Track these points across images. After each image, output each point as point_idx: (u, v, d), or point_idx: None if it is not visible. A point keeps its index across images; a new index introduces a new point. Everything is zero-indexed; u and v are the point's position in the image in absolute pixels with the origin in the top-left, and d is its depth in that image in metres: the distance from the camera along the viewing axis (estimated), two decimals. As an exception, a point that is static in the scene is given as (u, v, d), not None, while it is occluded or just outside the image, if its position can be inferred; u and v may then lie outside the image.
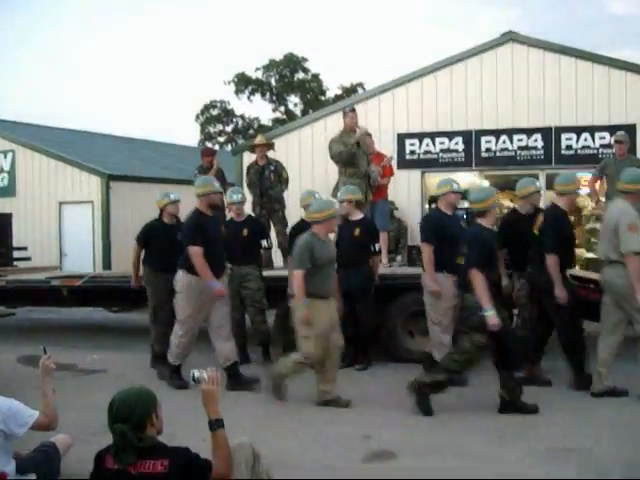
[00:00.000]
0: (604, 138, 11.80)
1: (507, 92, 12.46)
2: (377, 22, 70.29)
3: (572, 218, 14.85)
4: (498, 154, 12.40)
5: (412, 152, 12.83)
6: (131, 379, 6.61)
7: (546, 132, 12.17)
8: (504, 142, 12.36)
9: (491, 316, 5.89)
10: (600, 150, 11.85)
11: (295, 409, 6.54)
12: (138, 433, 3.23)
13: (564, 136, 12.14)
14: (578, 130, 12.07)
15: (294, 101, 40.16)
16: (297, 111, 39.22)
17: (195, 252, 7.04)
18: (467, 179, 13.50)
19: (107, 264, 16.63)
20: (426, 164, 12.82)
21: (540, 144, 12.23)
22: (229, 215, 8.94)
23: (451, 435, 5.70)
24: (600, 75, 12.20)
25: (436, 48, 40.59)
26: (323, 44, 64.33)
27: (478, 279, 5.96)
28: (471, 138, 12.50)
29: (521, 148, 12.28)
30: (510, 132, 12.32)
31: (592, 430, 5.74)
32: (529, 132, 12.25)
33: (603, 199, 9.90)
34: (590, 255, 14.10)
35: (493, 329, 5.91)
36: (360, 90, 35.64)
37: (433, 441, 5.57)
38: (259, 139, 10.81)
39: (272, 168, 10.21)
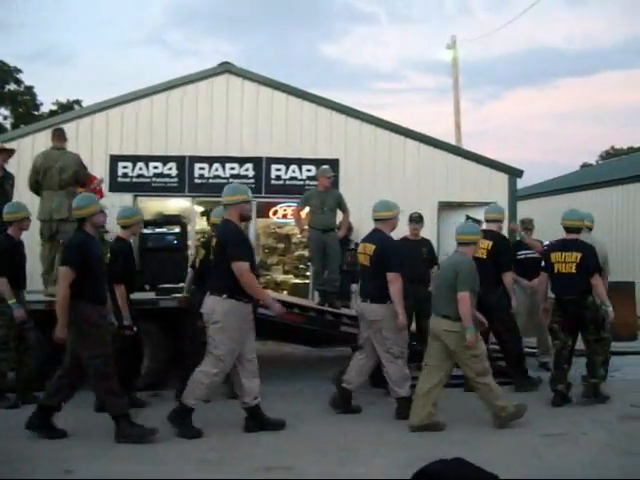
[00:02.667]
0: (310, 170, 12.46)
1: (222, 121, 12.73)
2: (98, 40, 68.60)
3: (282, 245, 15.55)
4: (211, 181, 12.58)
5: (125, 175, 12.57)
6: None
7: (257, 162, 12.59)
8: (217, 170, 12.59)
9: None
10: (306, 182, 12.49)
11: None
12: None
13: (274, 167, 12.65)
14: (287, 162, 12.64)
15: (4, 113, 37.67)
16: (7, 124, 36.78)
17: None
18: (179, 204, 13.56)
19: None
20: (138, 188, 12.64)
21: (251, 173, 12.61)
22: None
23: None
24: (308, 112, 12.91)
25: (160, 72, 40.50)
26: (40, 56, 61.30)
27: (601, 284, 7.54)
28: (185, 164, 12.55)
29: (233, 176, 12.55)
30: (223, 160, 12.57)
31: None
32: (241, 161, 12.59)
33: (307, 227, 10.40)
34: (297, 281, 14.78)
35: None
36: (77, 107, 34.36)
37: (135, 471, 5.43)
38: None
39: (10, 182, 8.94)
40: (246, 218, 6.77)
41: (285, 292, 13.96)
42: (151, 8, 70.53)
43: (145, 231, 10.25)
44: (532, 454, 5.89)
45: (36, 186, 8.81)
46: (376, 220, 7.36)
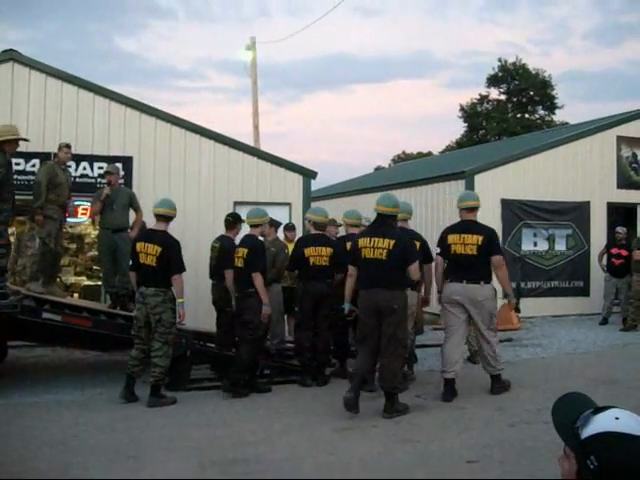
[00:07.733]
0: (102, 168, 11.94)
1: (5, 113, 11.91)
2: None
3: (75, 246, 14.90)
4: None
5: None
6: None
7: (45, 158, 11.84)
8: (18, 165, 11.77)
9: None
10: (98, 180, 12.02)
11: None
12: None
13: (64, 163, 12.02)
14: (77, 158, 12.06)
15: None
16: None
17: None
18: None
19: None
20: None
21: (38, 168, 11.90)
22: None
23: None
24: (100, 106, 12.43)
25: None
26: None
27: None
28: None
29: (18, 172, 11.60)
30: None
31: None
32: (27, 156, 11.84)
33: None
34: (89, 283, 14.22)
35: None
36: None
37: None
38: None
39: None
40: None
41: (76, 295, 13.39)
42: None
43: None
44: (325, 450, 6.04)
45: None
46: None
